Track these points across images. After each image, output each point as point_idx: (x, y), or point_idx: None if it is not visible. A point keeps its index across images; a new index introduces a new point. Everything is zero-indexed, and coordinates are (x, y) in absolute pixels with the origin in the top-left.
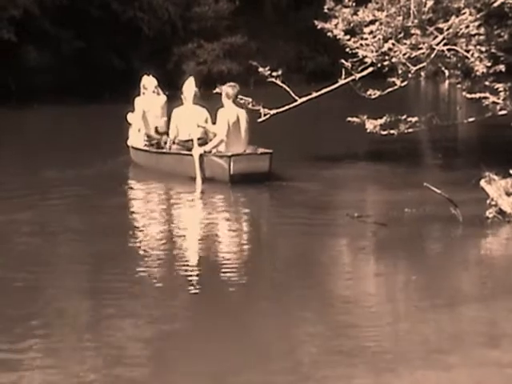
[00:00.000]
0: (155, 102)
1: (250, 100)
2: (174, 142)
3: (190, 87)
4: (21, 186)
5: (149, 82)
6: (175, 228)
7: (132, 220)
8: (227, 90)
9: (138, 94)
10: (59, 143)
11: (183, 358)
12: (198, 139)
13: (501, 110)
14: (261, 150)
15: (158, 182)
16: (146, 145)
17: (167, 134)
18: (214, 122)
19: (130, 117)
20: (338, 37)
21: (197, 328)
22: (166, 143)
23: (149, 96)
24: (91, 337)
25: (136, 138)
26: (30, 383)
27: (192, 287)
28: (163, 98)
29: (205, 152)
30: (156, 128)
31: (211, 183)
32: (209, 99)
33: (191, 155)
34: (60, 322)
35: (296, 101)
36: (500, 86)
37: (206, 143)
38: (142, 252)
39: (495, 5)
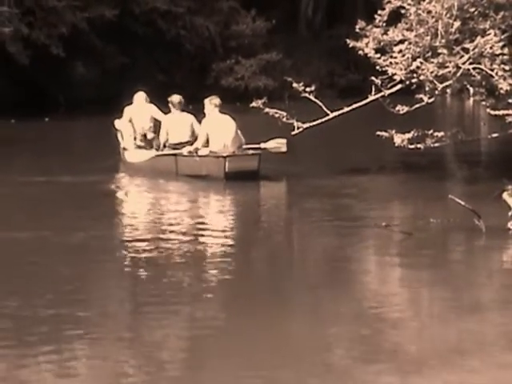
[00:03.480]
0: (142, 111)
1: (285, 114)
2: (164, 146)
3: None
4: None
5: (137, 95)
6: (198, 226)
7: (152, 222)
8: (213, 101)
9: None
10: (93, 150)
11: (217, 355)
12: (187, 142)
13: None
14: (251, 152)
15: (155, 179)
16: (136, 147)
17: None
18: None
19: (117, 123)
20: (368, 55)
21: (230, 327)
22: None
23: (136, 106)
24: (131, 336)
25: (127, 141)
26: (75, 376)
27: (224, 287)
28: (151, 108)
29: (189, 152)
30: (144, 133)
31: (209, 180)
32: (246, 113)
33: (176, 155)
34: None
35: (328, 115)
36: None
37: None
38: (168, 255)
39: None
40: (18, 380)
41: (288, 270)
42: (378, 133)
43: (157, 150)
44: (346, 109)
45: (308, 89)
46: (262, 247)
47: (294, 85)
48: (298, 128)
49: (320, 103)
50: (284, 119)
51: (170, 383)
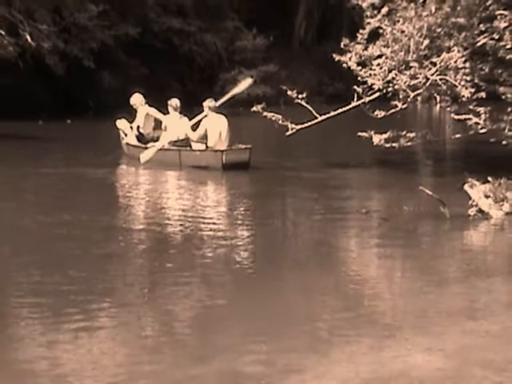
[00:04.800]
0: (148, 111)
1: (280, 117)
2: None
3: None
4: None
5: (139, 97)
6: (201, 210)
7: (164, 208)
8: (209, 103)
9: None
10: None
11: (221, 321)
12: (182, 140)
13: (481, 128)
14: (243, 146)
15: (162, 170)
16: (138, 141)
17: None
18: (194, 129)
19: (119, 123)
20: (351, 67)
21: (232, 296)
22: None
23: (145, 106)
24: (149, 303)
25: (130, 137)
26: (104, 339)
27: (225, 262)
28: (152, 109)
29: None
30: (138, 126)
31: (209, 170)
32: (248, 116)
33: (179, 150)
34: (125, 290)
35: (317, 118)
36: (481, 110)
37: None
38: (181, 233)
39: (478, 44)
40: (55, 344)
41: (280, 249)
42: (359, 134)
43: (146, 142)
44: (332, 113)
45: (300, 96)
46: (255, 228)
47: (289, 92)
48: (292, 129)
49: (310, 108)
50: (280, 121)
51: (183, 345)
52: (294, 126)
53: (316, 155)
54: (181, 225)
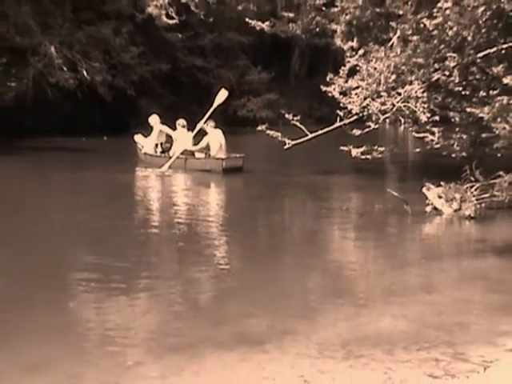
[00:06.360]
0: (162, 128)
1: (280, 135)
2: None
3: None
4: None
5: (156, 117)
6: (207, 204)
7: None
8: (210, 124)
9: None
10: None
11: (233, 294)
12: (185, 150)
13: (436, 144)
14: (238, 155)
15: (175, 174)
16: (159, 152)
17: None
18: (195, 142)
19: (136, 137)
20: (335, 96)
21: (240, 276)
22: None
23: (160, 124)
24: (175, 278)
25: (149, 148)
26: (137, 303)
27: (230, 247)
28: (164, 127)
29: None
30: (161, 142)
31: (212, 173)
32: (254, 134)
33: (186, 159)
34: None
35: (308, 136)
36: (435, 130)
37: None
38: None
39: (433, 79)
40: (102, 307)
41: (275, 237)
42: (341, 148)
43: (161, 152)
44: (320, 132)
45: (295, 118)
46: (253, 220)
47: (286, 115)
48: (289, 144)
49: (303, 128)
50: (279, 138)
51: (202, 311)
52: (290, 141)
53: (307, 165)
54: (195, 218)
